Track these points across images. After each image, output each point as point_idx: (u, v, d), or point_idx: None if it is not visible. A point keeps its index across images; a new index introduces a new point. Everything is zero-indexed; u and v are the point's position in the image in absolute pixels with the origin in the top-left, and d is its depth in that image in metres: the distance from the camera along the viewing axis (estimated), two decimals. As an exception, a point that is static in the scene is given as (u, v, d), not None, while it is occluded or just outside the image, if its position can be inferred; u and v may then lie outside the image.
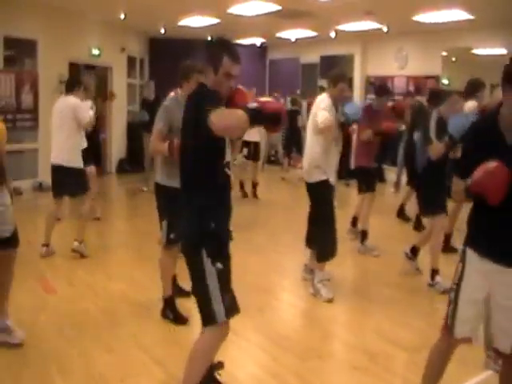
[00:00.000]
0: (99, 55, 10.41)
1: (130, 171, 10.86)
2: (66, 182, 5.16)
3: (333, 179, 4.34)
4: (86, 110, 5.32)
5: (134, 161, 10.84)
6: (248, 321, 3.95)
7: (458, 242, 5.63)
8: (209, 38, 11.50)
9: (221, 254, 2.47)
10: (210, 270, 2.41)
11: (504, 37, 8.94)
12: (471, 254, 2.34)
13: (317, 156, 4.27)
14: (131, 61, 11.85)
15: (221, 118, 2.24)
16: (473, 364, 3.26)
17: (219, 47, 2.48)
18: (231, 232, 2.55)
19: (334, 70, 4.69)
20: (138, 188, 9.25)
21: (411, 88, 10.70)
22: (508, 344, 2.29)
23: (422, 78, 10.39)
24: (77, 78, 6.02)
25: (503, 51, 9.18)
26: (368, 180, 5.85)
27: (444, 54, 10.08)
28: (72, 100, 5.21)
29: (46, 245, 5.36)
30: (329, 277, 4.52)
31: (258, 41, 12.96)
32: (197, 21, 9.96)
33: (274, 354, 3.43)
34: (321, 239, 4.37)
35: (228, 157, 2.50)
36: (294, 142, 11.23)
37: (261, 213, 7.76)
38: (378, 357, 3.40)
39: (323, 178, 4.26)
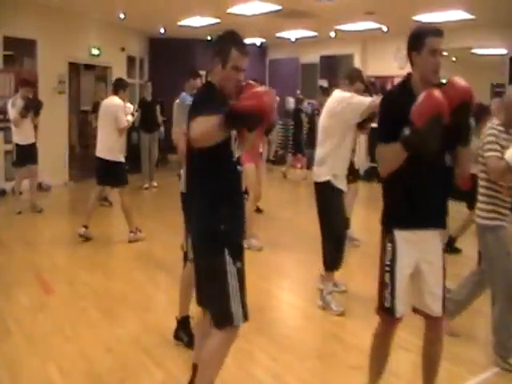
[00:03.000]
0: (99, 55, 10.40)
1: (129, 171, 10.84)
2: (107, 173, 5.86)
3: (342, 181, 4.10)
4: (127, 113, 5.88)
5: (133, 161, 10.83)
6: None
7: (461, 244, 5.66)
8: (208, 38, 11.48)
9: (240, 252, 2.45)
10: (232, 269, 2.37)
11: (504, 36, 8.94)
12: (398, 233, 2.40)
13: (326, 155, 4.03)
14: (131, 60, 11.84)
15: (193, 129, 2.26)
16: (472, 364, 3.27)
17: (227, 40, 2.44)
18: (244, 229, 2.56)
19: (352, 68, 4.53)
20: (140, 186, 9.28)
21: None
22: (439, 307, 2.44)
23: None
24: (123, 80, 6.29)
25: (503, 51, 9.19)
26: (353, 171, 5.64)
27: (444, 53, 10.07)
28: (116, 101, 5.72)
29: (85, 226, 5.92)
30: (345, 288, 4.50)
31: (257, 41, 12.96)
32: (197, 21, 9.95)
33: (273, 354, 3.43)
34: (325, 246, 4.14)
35: (238, 152, 2.45)
36: (297, 142, 11.22)
37: (261, 212, 7.73)
38: (378, 357, 3.38)
39: (329, 178, 4.01)
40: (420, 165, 2.28)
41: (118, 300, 4.34)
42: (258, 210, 7.42)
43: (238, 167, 2.48)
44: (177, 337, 3.49)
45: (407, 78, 2.42)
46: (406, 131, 2.20)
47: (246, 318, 2.43)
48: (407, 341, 3.59)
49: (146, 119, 9.35)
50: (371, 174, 10.53)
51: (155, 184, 9.63)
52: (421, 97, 2.19)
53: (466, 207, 5.41)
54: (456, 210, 5.16)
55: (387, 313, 2.45)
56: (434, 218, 2.44)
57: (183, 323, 3.47)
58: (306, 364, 3.32)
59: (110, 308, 4.16)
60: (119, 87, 5.97)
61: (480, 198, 3.29)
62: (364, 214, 7.33)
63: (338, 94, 4.07)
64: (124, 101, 5.96)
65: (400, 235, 2.40)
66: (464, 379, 3.09)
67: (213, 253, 2.40)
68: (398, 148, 2.24)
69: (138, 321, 3.91)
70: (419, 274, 2.44)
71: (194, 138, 2.27)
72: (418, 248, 2.41)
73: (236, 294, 2.38)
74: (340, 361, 3.40)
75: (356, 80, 4.13)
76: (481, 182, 3.29)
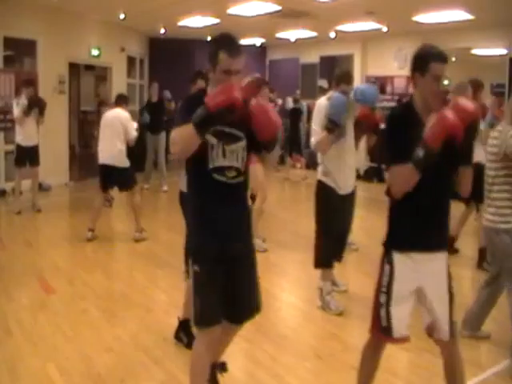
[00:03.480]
0: (99, 55, 10.40)
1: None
2: (115, 178, 6.02)
3: (344, 183, 4.03)
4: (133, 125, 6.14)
5: (133, 160, 10.79)
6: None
7: (461, 244, 5.65)
8: (208, 39, 11.47)
9: (200, 256, 2.41)
10: (190, 269, 2.44)
11: (504, 37, 8.95)
12: (397, 254, 2.36)
13: (319, 155, 4.08)
14: (131, 61, 11.85)
15: (170, 141, 2.26)
16: (472, 364, 3.26)
17: (215, 44, 2.32)
18: (229, 240, 2.44)
19: (339, 70, 4.39)
20: (139, 187, 9.18)
21: (411, 88, 10.75)
22: (446, 331, 2.38)
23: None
24: (124, 96, 6.62)
25: (503, 51, 9.19)
26: None
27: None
28: (125, 113, 6.08)
29: (92, 230, 6.00)
30: (345, 288, 4.50)
31: (257, 41, 12.96)
32: (197, 21, 9.96)
33: (273, 353, 3.43)
34: (315, 243, 4.15)
35: (219, 162, 2.36)
36: (295, 142, 11.23)
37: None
38: (378, 357, 3.39)
39: (322, 179, 4.05)
40: (426, 185, 2.26)
41: (119, 300, 4.35)
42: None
43: (218, 176, 2.36)
44: (177, 337, 3.52)
45: (410, 99, 2.41)
46: (420, 153, 2.18)
47: (197, 321, 2.41)
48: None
49: (153, 120, 9.17)
50: (371, 174, 10.55)
51: (165, 188, 9.14)
52: (436, 117, 2.19)
53: (463, 204, 5.41)
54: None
55: (383, 332, 2.40)
56: (437, 239, 2.40)
57: (184, 324, 3.48)
58: (306, 364, 3.33)
59: (110, 308, 4.16)
60: (121, 101, 6.19)
61: (493, 202, 3.27)
62: (363, 213, 7.34)
63: (317, 104, 4.08)
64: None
65: (399, 258, 2.36)
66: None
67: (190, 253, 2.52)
68: (412, 169, 2.21)
69: (138, 321, 3.91)
70: (424, 298, 2.38)
71: (172, 151, 2.27)
72: (419, 272, 2.35)
73: (192, 295, 2.42)
74: (340, 361, 3.41)
75: (340, 82, 4.05)
76: (495, 187, 3.27)
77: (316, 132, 3.93)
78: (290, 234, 6.62)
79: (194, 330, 2.56)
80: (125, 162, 6.06)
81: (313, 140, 3.97)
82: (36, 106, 7.05)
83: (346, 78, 4.14)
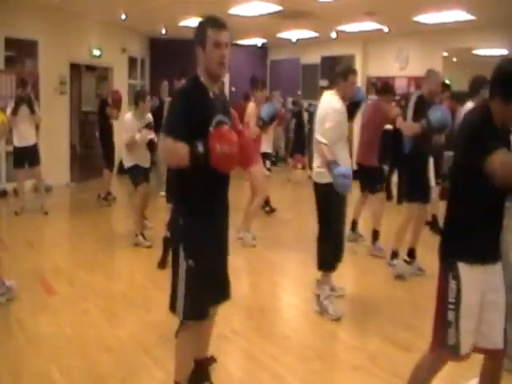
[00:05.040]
0: (100, 56, 10.41)
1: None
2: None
3: None
4: (128, 129, 5.88)
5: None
6: (248, 321, 3.95)
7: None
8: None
9: (196, 251, 2.42)
10: (182, 264, 2.42)
11: (505, 37, 8.94)
12: (463, 266, 2.26)
13: (317, 160, 4.00)
14: (132, 61, 11.85)
15: (162, 150, 2.41)
16: (473, 363, 3.26)
17: (201, 24, 2.48)
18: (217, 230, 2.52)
19: (341, 65, 4.42)
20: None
21: (412, 88, 10.74)
22: (500, 338, 2.30)
23: (423, 78, 10.39)
24: (140, 91, 6.78)
25: (504, 52, 9.18)
26: (375, 180, 5.71)
27: (445, 54, 10.07)
28: (125, 117, 6.08)
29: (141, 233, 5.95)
30: (342, 292, 4.44)
31: (258, 41, 12.97)
32: (198, 21, 9.94)
33: (274, 354, 3.43)
34: (321, 246, 4.10)
35: None
36: (298, 143, 11.21)
37: (261, 213, 7.74)
38: (379, 357, 3.39)
39: (329, 180, 3.89)
40: (501, 198, 2.24)
41: (119, 300, 4.35)
42: (272, 210, 7.56)
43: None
44: (177, 337, 3.51)
45: (487, 109, 2.21)
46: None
47: (187, 315, 2.45)
48: (410, 342, 3.59)
49: (156, 121, 8.97)
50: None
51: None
52: None
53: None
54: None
55: (450, 351, 2.29)
56: (499, 250, 2.34)
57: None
58: (307, 364, 3.32)
59: (110, 308, 4.16)
60: (138, 99, 5.99)
61: None
62: (364, 212, 7.32)
63: (326, 102, 4.01)
64: (144, 111, 5.98)
65: (466, 271, 2.25)
66: (465, 378, 3.08)
67: (173, 243, 2.49)
68: None
69: (139, 321, 3.91)
70: (484, 306, 2.30)
71: (162, 158, 2.44)
72: (484, 280, 2.28)
73: (181, 290, 2.43)
74: (341, 361, 3.41)
75: (348, 74, 3.98)
76: None
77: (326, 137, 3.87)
78: (292, 234, 6.62)
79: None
80: (126, 161, 5.98)
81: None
82: (22, 103, 6.91)
83: (353, 69, 4.12)
